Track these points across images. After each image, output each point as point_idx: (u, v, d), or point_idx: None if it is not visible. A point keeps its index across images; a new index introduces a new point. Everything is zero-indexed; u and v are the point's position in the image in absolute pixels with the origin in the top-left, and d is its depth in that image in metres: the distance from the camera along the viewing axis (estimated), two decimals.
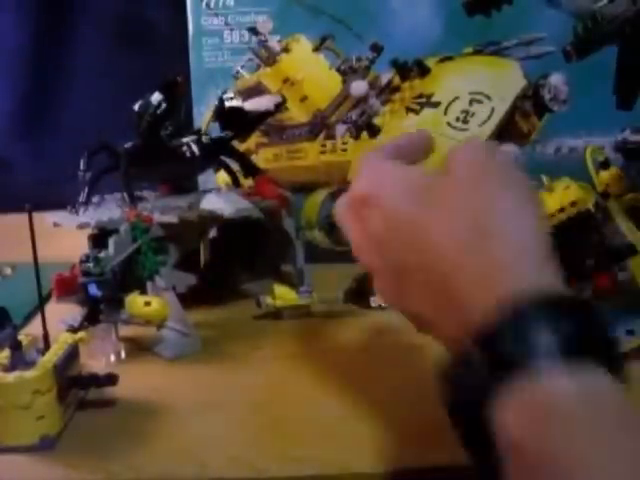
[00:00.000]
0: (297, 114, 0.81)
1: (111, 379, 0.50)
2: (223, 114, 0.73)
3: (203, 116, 0.84)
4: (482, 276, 0.32)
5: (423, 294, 0.35)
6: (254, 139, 0.84)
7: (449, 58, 0.74)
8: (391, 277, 0.38)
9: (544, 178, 0.57)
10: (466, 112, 0.68)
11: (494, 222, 0.33)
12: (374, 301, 0.65)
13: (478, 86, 0.69)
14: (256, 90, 0.80)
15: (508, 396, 0.28)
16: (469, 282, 0.32)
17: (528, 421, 0.28)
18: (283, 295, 0.65)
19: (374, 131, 0.71)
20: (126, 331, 0.59)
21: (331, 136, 0.76)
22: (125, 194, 0.67)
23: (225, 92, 0.75)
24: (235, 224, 0.66)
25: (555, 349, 0.28)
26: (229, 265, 0.72)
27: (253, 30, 0.81)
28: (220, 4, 0.86)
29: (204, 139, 0.71)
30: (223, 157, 0.75)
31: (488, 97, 0.68)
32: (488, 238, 0.33)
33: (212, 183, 0.81)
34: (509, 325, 0.29)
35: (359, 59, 0.80)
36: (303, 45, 0.81)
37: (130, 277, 0.59)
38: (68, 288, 0.59)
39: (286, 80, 0.80)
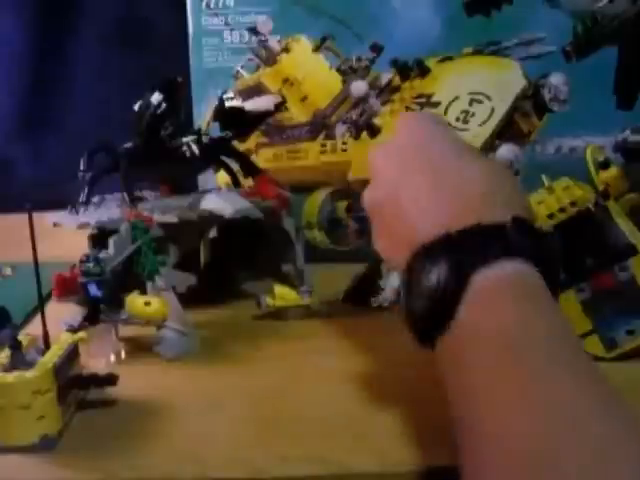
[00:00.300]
0: (297, 114, 0.80)
1: (111, 379, 0.50)
2: (223, 114, 0.73)
3: (203, 116, 0.84)
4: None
5: (424, 193, 0.42)
6: (254, 139, 0.84)
7: (449, 58, 0.74)
8: (390, 185, 0.44)
9: (544, 178, 0.57)
10: (466, 112, 0.68)
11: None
12: (374, 301, 0.65)
13: (478, 86, 0.69)
14: (256, 90, 0.80)
15: (486, 272, 0.37)
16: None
17: (499, 282, 0.37)
18: (283, 295, 0.65)
19: (374, 131, 0.71)
20: (126, 331, 0.59)
21: (331, 136, 0.76)
22: (125, 194, 0.67)
23: (225, 92, 0.75)
24: (235, 224, 0.66)
25: (524, 251, 0.38)
26: (229, 265, 0.72)
27: (253, 30, 0.81)
28: (220, 4, 0.86)
29: (204, 139, 0.71)
30: (223, 157, 0.75)
31: (488, 97, 0.68)
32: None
33: (212, 183, 0.81)
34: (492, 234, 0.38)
35: (359, 59, 0.79)
36: (303, 45, 0.81)
37: (130, 277, 0.59)
38: (68, 288, 0.59)
39: (286, 80, 0.80)
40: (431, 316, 0.38)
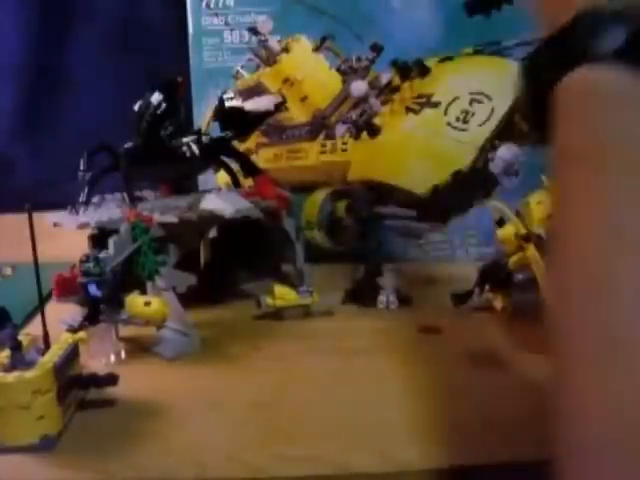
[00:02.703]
0: (297, 114, 0.80)
1: (111, 379, 0.50)
2: (223, 114, 0.73)
3: (203, 116, 0.85)
4: None
5: None
6: (254, 139, 0.84)
7: (449, 58, 0.74)
8: None
9: (544, 178, 0.57)
10: (466, 112, 0.68)
11: None
12: (380, 301, 0.65)
13: (478, 86, 0.69)
14: (256, 90, 0.80)
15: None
16: None
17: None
18: (283, 295, 0.65)
19: (374, 131, 0.71)
20: (126, 331, 0.59)
21: (331, 136, 0.76)
22: (125, 194, 0.67)
23: (225, 92, 0.75)
24: (235, 224, 0.66)
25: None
26: (229, 265, 0.72)
27: (253, 30, 0.81)
28: (220, 4, 0.86)
29: (204, 139, 0.71)
30: (223, 157, 0.75)
31: (488, 97, 0.68)
32: None
33: (212, 183, 0.81)
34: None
35: (359, 59, 0.79)
36: (303, 45, 0.81)
37: (130, 277, 0.59)
38: (68, 288, 0.59)
39: (286, 80, 0.80)
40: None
